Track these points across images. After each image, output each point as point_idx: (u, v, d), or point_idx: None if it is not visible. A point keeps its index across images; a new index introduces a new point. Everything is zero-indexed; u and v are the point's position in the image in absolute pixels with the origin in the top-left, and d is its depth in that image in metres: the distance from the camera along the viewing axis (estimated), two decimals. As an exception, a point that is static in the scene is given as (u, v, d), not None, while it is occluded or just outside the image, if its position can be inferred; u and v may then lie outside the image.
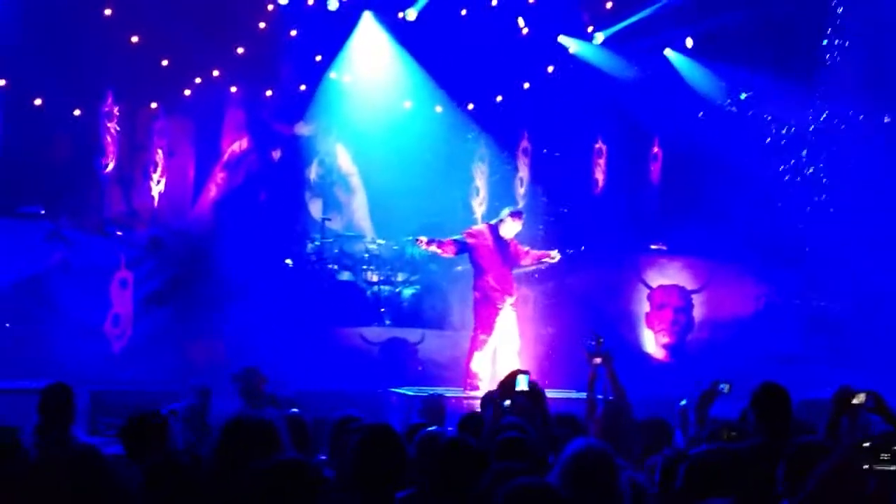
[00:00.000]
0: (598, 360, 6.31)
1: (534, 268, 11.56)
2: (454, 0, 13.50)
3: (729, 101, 14.31)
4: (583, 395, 6.53)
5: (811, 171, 14.31)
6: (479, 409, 6.41)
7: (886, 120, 14.06)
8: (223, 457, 2.93)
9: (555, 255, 10.47)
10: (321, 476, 2.62)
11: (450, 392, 10.22)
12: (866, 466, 2.98)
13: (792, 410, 4.77)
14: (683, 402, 4.97)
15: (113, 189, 13.02)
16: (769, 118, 14.38)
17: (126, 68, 12.53)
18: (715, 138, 14.17)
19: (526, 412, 5.21)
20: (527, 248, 10.42)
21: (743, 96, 14.16)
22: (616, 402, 6.24)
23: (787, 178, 14.38)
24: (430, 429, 5.01)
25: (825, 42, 13.93)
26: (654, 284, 13.50)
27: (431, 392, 7.88)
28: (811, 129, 14.28)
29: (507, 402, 5.04)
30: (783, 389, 4.79)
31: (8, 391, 9.97)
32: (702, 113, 14.25)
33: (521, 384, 4.89)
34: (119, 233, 12.53)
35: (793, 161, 14.39)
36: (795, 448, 3.98)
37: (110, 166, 12.79)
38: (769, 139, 14.42)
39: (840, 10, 13.95)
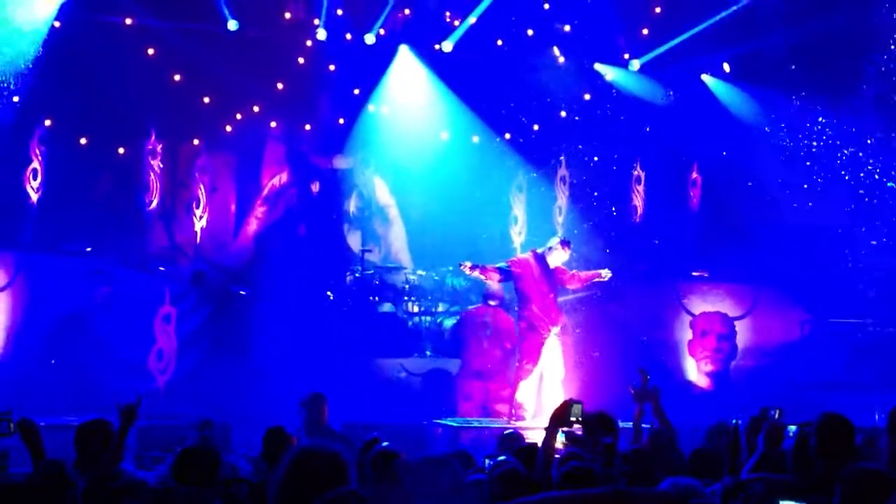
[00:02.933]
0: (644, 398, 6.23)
1: (583, 291, 11.46)
2: (490, 31, 13.57)
3: (768, 129, 14.17)
4: (628, 423, 6.44)
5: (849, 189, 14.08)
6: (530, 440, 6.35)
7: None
8: (290, 488, 2.91)
9: (606, 274, 10.34)
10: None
11: (494, 423, 10.20)
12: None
13: (854, 442, 4.65)
14: (736, 422, 4.88)
15: (156, 225, 13.21)
16: (807, 141, 14.24)
17: (169, 106, 12.76)
18: (754, 162, 14.06)
19: (578, 442, 5.17)
20: (573, 272, 10.35)
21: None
22: (662, 431, 6.15)
23: (828, 200, 14.19)
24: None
25: (865, 64, 13.79)
26: (697, 311, 13.36)
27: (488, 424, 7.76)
28: (848, 151, 14.11)
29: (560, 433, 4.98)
30: (846, 420, 4.67)
31: (53, 427, 10.06)
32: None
33: (575, 414, 4.84)
34: (162, 268, 12.67)
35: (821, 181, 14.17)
36: (852, 473, 3.89)
37: (154, 203, 12.97)
38: (809, 163, 14.26)
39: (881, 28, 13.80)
